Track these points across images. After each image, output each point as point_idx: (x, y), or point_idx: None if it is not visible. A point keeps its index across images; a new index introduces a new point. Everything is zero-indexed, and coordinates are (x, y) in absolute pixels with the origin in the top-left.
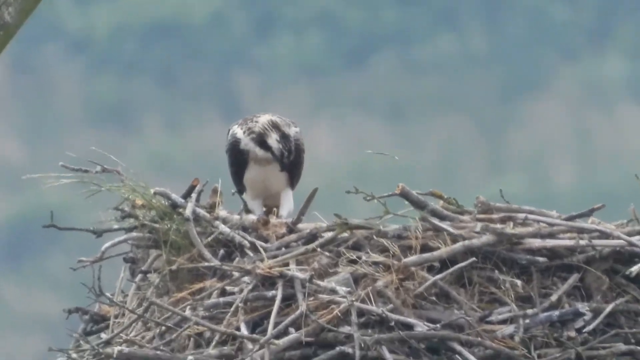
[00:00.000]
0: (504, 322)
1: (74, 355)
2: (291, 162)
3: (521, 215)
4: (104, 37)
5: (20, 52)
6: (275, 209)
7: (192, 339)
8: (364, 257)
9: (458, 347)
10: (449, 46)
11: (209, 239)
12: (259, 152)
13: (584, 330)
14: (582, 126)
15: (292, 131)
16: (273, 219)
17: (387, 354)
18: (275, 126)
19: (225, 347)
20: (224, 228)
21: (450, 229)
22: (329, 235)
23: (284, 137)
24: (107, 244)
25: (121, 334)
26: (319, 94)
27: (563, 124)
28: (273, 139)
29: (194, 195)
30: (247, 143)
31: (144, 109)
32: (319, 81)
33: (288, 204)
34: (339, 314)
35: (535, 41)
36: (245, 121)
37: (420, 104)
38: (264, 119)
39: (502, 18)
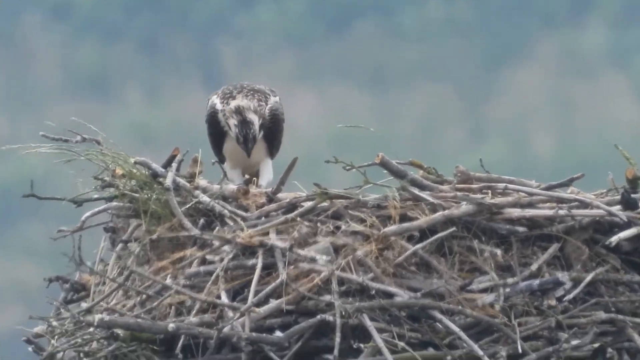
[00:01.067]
0: (484, 290)
1: (55, 323)
2: (270, 132)
3: (501, 185)
4: (85, 5)
5: None
6: (255, 179)
7: (173, 307)
8: (343, 227)
9: (439, 316)
10: (433, 13)
11: (189, 207)
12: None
13: (564, 299)
14: (563, 95)
15: (271, 101)
16: (253, 189)
17: (368, 322)
18: (238, 112)
19: (206, 315)
20: (204, 197)
21: (430, 199)
22: (308, 204)
23: (244, 123)
24: (87, 214)
25: (102, 302)
26: (301, 61)
27: (544, 92)
28: (231, 124)
29: (174, 165)
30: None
31: (125, 77)
32: (300, 49)
33: (267, 173)
34: (320, 283)
35: (519, 9)
36: (224, 94)
37: (402, 72)
38: (234, 103)
39: None
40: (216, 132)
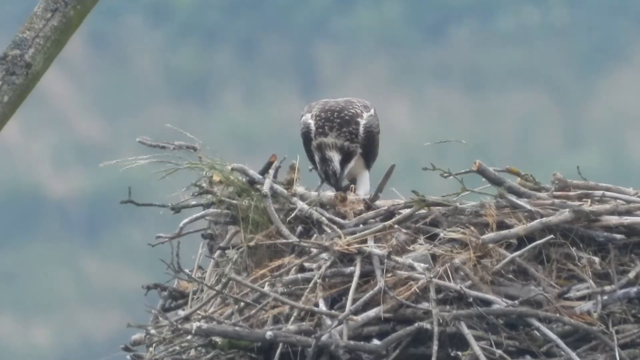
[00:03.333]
0: (582, 298)
1: (153, 331)
2: (365, 148)
3: (598, 193)
4: (184, 8)
5: (98, 25)
6: (352, 186)
7: (270, 315)
8: (441, 234)
9: (536, 323)
10: (530, 17)
11: (288, 216)
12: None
13: None
14: None
15: (364, 118)
16: (351, 196)
17: (465, 330)
18: (319, 148)
19: (303, 323)
20: (301, 204)
21: (528, 206)
22: (406, 212)
23: (323, 161)
24: (185, 220)
25: (200, 310)
26: (398, 66)
27: None
28: (317, 158)
29: (271, 172)
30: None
31: (223, 82)
32: (398, 53)
33: (364, 185)
34: (417, 290)
35: (616, 13)
36: (317, 125)
37: (499, 77)
38: (319, 139)
39: None
40: (309, 149)
